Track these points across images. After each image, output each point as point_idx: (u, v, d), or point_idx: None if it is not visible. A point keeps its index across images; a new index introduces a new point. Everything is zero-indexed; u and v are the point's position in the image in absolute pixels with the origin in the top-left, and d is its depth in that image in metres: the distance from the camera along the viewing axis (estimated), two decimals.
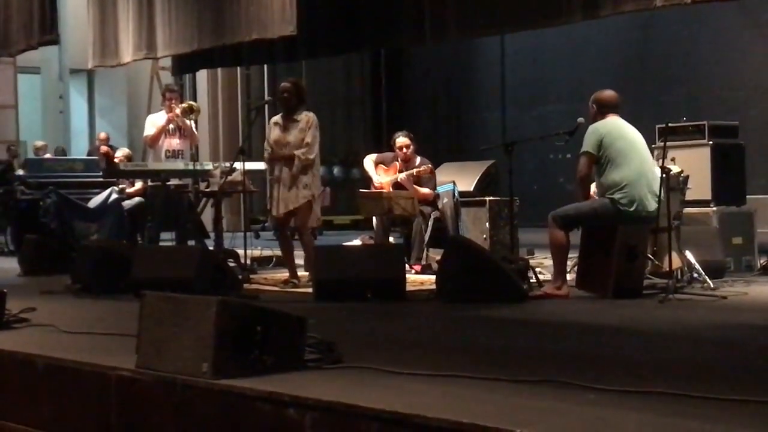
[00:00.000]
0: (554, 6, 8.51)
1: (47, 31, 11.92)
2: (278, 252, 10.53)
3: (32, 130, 20.31)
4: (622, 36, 16.20)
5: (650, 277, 7.38)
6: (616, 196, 7.15)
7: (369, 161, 9.97)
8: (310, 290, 7.40)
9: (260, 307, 4.31)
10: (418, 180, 9.67)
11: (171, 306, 4.26)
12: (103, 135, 17.26)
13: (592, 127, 7.34)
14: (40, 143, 16.17)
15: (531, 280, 7.36)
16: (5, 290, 5.83)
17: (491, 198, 9.91)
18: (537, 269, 7.74)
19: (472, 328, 5.94)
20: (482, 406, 3.42)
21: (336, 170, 18.83)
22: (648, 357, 4.72)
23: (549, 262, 7.67)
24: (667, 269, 7.07)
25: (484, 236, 9.65)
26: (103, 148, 14.87)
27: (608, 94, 7.49)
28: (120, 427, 4.29)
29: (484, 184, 10.36)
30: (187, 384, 3.99)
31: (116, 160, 11.89)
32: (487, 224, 9.73)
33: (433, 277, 7.71)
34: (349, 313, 6.57)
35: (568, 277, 7.35)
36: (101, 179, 12.50)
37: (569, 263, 7.49)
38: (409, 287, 7.35)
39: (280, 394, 3.67)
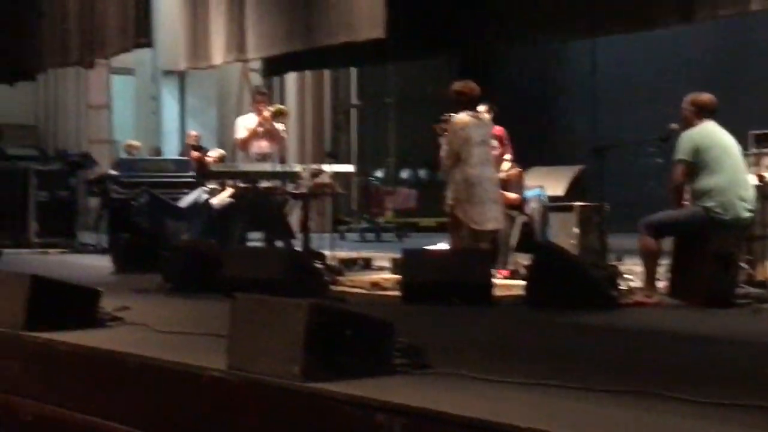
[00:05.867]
0: (648, 10, 8.39)
1: (141, 35, 12.15)
2: (364, 254, 10.62)
3: (125, 130, 20.68)
4: (715, 40, 15.90)
5: (744, 286, 7.24)
6: (709, 203, 7.02)
7: None
8: (397, 293, 7.41)
9: (350, 311, 4.33)
10: (506, 185, 9.60)
11: (262, 308, 4.30)
12: (193, 133, 17.20)
13: (686, 134, 7.20)
14: (134, 143, 16.34)
15: (620, 287, 7.27)
16: (101, 290, 5.94)
17: (580, 203, 9.81)
18: (627, 276, 7.65)
19: (561, 335, 5.89)
20: (573, 416, 3.38)
21: (422, 173, 18.80)
22: (741, 368, 4.63)
23: (639, 268, 7.56)
24: (762, 278, 6.94)
25: (573, 242, 9.56)
26: (194, 154, 15.01)
27: (707, 97, 7.34)
28: (210, 427, 4.34)
29: (575, 189, 10.27)
30: (277, 386, 4.02)
31: (210, 160, 12.09)
32: (576, 230, 9.64)
33: (520, 282, 7.67)
34: (436, 317, 6.56)
35: (660, 284, 7.25)
36: (191, 180, 12.71)
37: (660, 270, 7.38)
38: (496, 292, 7.32)
39: (370, 399, 3.67)
